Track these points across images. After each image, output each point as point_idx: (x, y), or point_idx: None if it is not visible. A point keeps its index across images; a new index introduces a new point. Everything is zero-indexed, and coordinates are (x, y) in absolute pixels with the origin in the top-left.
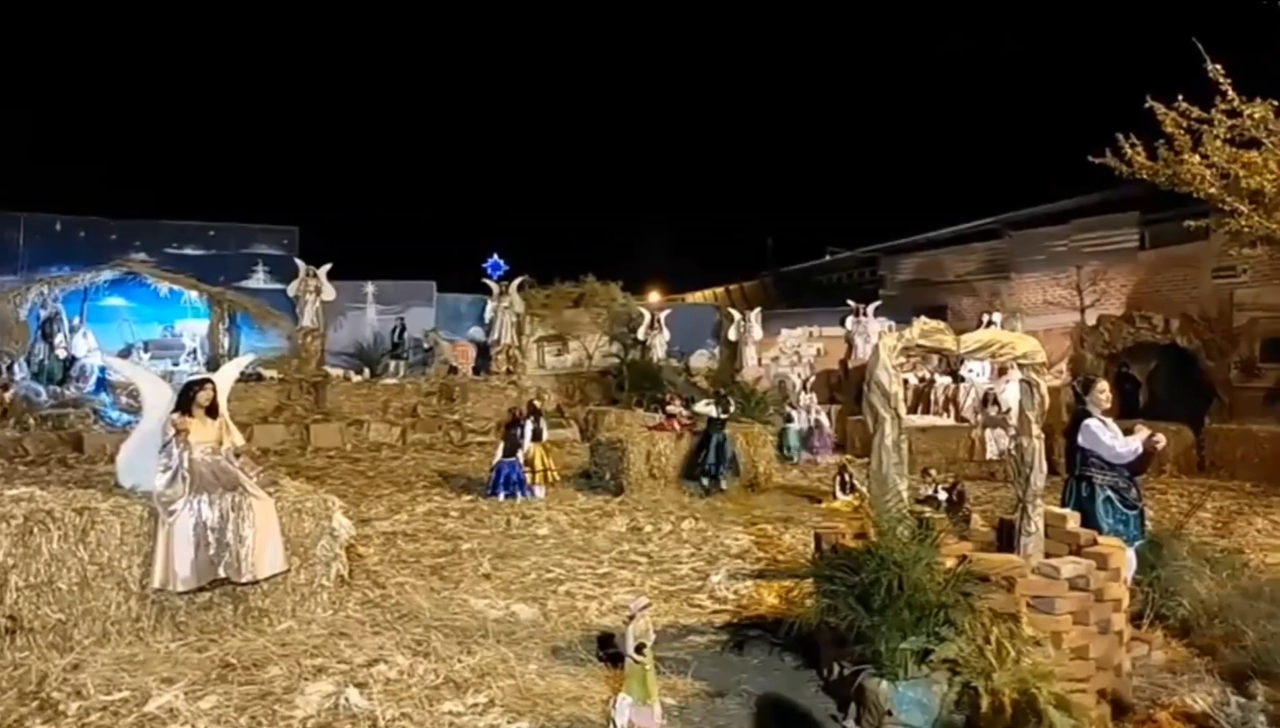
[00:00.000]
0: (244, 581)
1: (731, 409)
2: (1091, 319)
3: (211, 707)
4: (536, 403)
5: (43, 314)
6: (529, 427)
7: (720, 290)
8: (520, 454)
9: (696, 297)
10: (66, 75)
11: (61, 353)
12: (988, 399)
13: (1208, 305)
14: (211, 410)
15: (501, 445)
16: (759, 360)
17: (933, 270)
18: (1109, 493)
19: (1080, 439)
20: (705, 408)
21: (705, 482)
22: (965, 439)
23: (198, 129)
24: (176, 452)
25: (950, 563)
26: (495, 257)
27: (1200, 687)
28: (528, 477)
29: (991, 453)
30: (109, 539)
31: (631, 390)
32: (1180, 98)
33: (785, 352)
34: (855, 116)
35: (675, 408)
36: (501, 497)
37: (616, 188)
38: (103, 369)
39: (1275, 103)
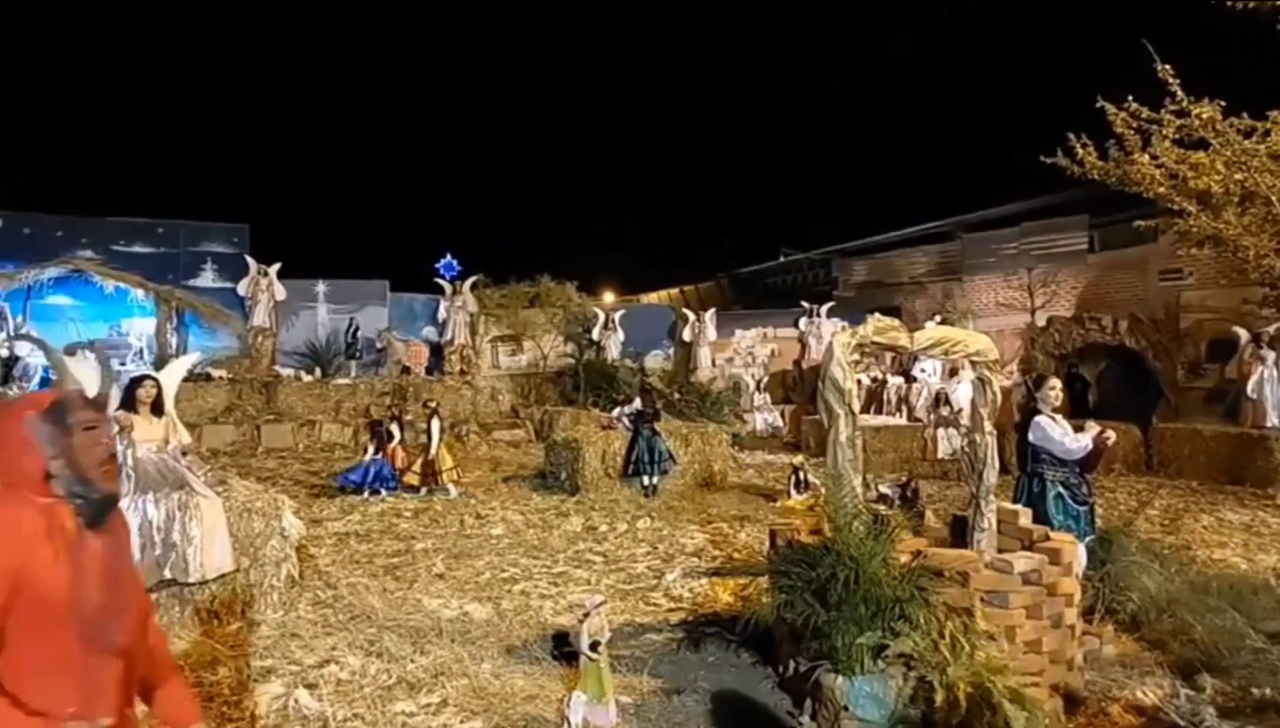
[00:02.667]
0: (192, 581)
1: (655, 399)
2: (1042, 320)
3: None
4: (432, 406)
5: None
6: (396, 429)
7: (675, 291)
8: (385, 453)
9: (651, 297)
10: (12, 69)
11: (4, 352)
12: (940, 399)
13: (1155, 307)
14: (157, 409)
15: (372, 445)
16: (713, 361)
17: (886, 272)
18: (1060, 489)
19: (1031, 436)
20: (628, 409)
21: (643, 482)
22: (918, 439)
23: (147, 125)
24: (119, 449)
25: (905, 558)
26: (449, 256)
27: (1150, 680)
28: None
29: (944, 452)
30: None
31: (587, 391)
32: (1130, 99)
33: (740, 352)
34: (808, 119)
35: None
36: (367, 493)
37: (572, 188)
38: (46, 368)
39: (1223, 103)
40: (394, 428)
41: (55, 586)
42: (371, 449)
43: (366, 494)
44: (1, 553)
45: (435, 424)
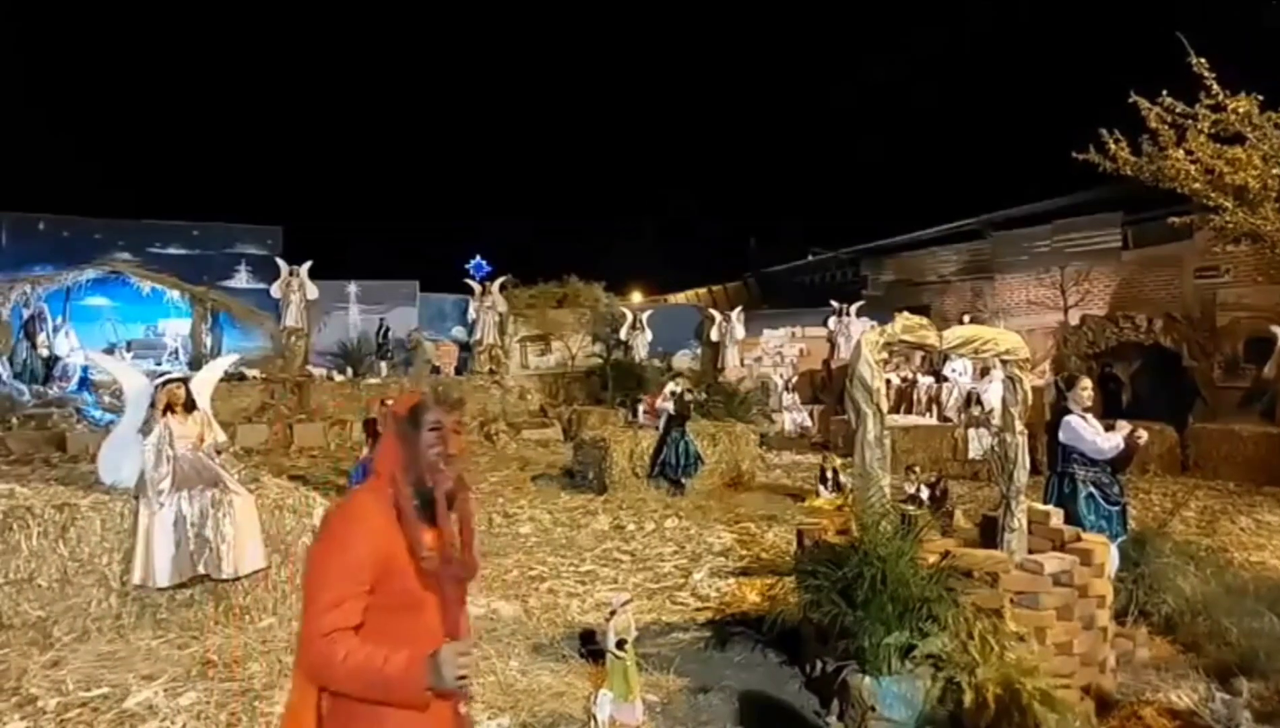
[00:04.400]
0: (225, 577)
1: (690, 405)
2: (1075, 319)
3: (191, 703)
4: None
5: (25, 313)
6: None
7: (703, 291)
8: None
9: (679, 297)
10: (51, 75)
11: (44, 352)
12: (970, 399)
13: (1191, 305)
14: (190, 407)
15: (369, 443)
16: (741, 361)
17: (915, 271)
18: (1091, 489)
19: (1062, 435)
20: (674, 387)
21: (670, 482)
22: (948, 439)
23: (182, 129)
24: (158, 429)
25: (933, 559)
26: (479, 257)
27: (1185, 683)
28: None
29: (974, 453)
30: (89, 536)
31: (615, 390)
32: (1165, 93)
33: (768, 352)
34: (838, 118)
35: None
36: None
37: (600, 189)
38: (85, 368)
39: (1260, 97)
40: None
41: (412, 582)
42: (368, 448)
43: None
44: (374, 536)
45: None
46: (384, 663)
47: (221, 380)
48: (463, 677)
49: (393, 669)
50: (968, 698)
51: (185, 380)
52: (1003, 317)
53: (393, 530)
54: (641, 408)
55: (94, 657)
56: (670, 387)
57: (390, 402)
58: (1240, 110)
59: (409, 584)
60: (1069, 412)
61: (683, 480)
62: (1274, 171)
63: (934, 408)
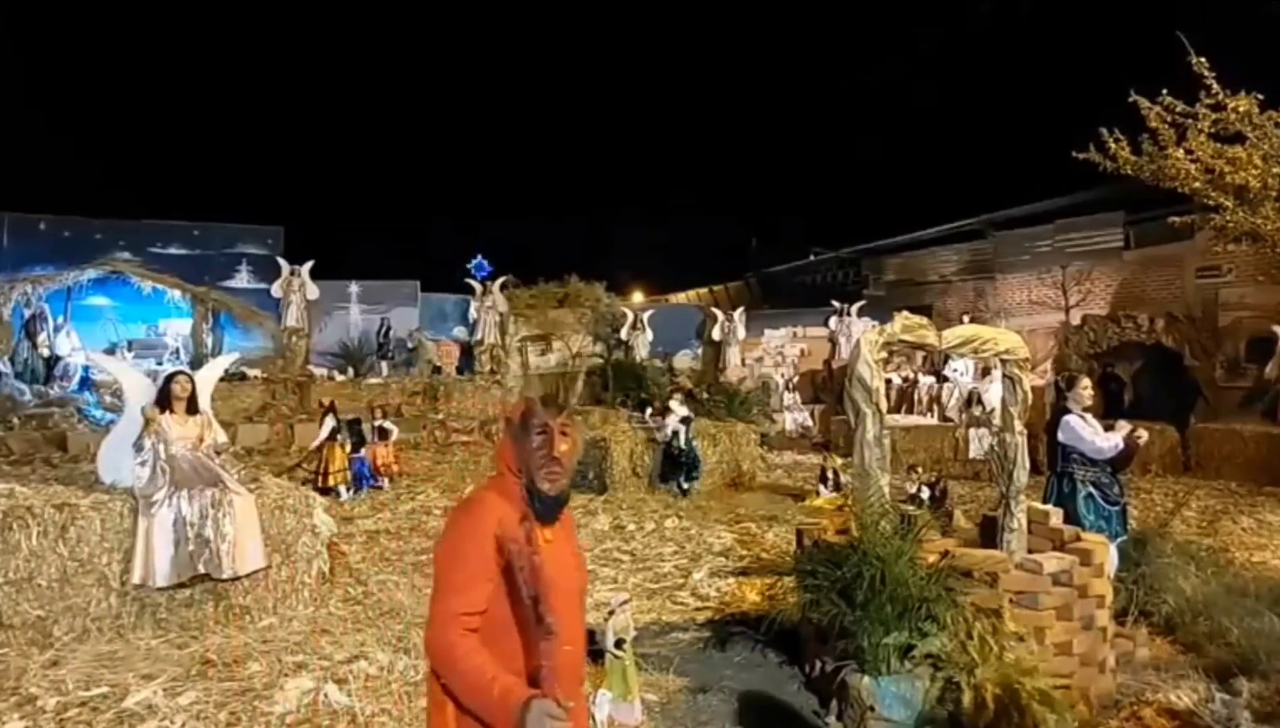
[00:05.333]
0: (224, 577)
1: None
2: (1076, 319)
3: (190, 703)
4: (326, 404)
5: (26, 313)
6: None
7: (704, 291)
8: (364, 450)
9: (680, 297)
10: (52, 75)
11: (45, 352)
12: (972, 399)
13: (1192, 305)
14: (192, 407)
15: (351, 443)
16: (743, 361)
17: (916, 271)
18: (1090, 489)
19: (1061, 435)
20: (678, 407)
21: (681, 486)
22: (949, 439)
23: (183, 129)
24: (149, 443)
25: (933, 559)
26: (480, 257)
27: (1185, 683)
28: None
29: (975, 452)
30: (89, 535)
31: (615, 390)
32: (1165, 92)
33: (769, 352)
34: (837, 117)
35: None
36: (351, 492)
37: (600, 189)
38: (86, 368)
39: (1260, 97)
40: (365, 426)
41: (528, 571)
42: (349, 447)
43: (351, 493)
44: (496, 528)
45: (328, 421)
46: (490, 680)
47: (222, 380)
48: None
49: (496, 691)
50: (966, 698)
51: (193, 379)
52: (1004, 316)
53: (516, 524)
54: (649, 411)
55: (93, 656)
56: (675, 409)
57: (328, 400)
58: (1240, 109)
59: (525, 582)
60: (1069, 412)
61: (686, 487)
62: (1274, 171)
63: (935, 408)
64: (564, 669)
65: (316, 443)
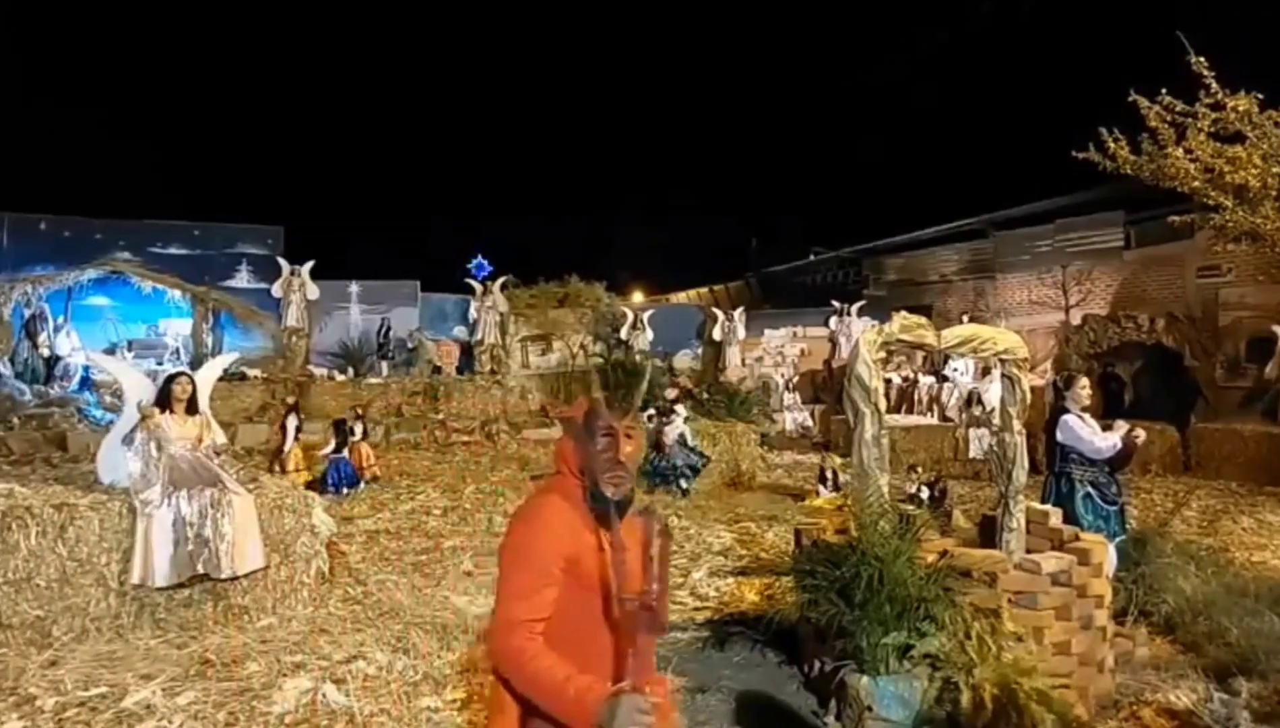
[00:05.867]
0: (223, 577)
1: (680, 409)
2: (1076, 319)
3: (189, 703)
4: (290, 403)
5: (27, 313)
6: (359, 428)
7: (704, 291)
8: (346, 451)
9: (680, 297)
10: (51, 75)
11: (45, 352)
12: (972, 399)
13: (1193, 305)
14: (191, 408)
15: (334, 441)
16: (743, 360)
17: (917, 271)
18: (1089, 489)
19: (1059, 435)
20: (681, 409)
21: (682, 486)
22: (949, 439)
23: (183, 129)
24: (139, 438)
25: (931, 558)
26: (480, 257)
27: (1184, 683)
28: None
29: (975, 452)
30: (88, 535)
31: (615, 390)
32: (1164, 92)
33: (769, 352)
34: (838, 117)
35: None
36: (334, 492)
37: (600, 188)
38: (86, 368)
39: (1260, 96)
40: (356, 426)
41: (598, 571)
42: (333, 446)
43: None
44: (562, 532)
45: (291, 421)
46: (564, 680)
47: (222, 380)
48: None
49: (571, 690)
50: (965, 698)
51: (194, 379)
52: (1004, 316)
53: (580, 526)
54: (649, 413)
55: (92, 656)
56: (680, 410)
57: (291, 399)
58: (1240, 109)
59: (595, 581)
60: (1067, 411)
61: (686, 487)
62: (1274, 170)
63: (935, 408)
64: (643, 666)
65: (286, 445)
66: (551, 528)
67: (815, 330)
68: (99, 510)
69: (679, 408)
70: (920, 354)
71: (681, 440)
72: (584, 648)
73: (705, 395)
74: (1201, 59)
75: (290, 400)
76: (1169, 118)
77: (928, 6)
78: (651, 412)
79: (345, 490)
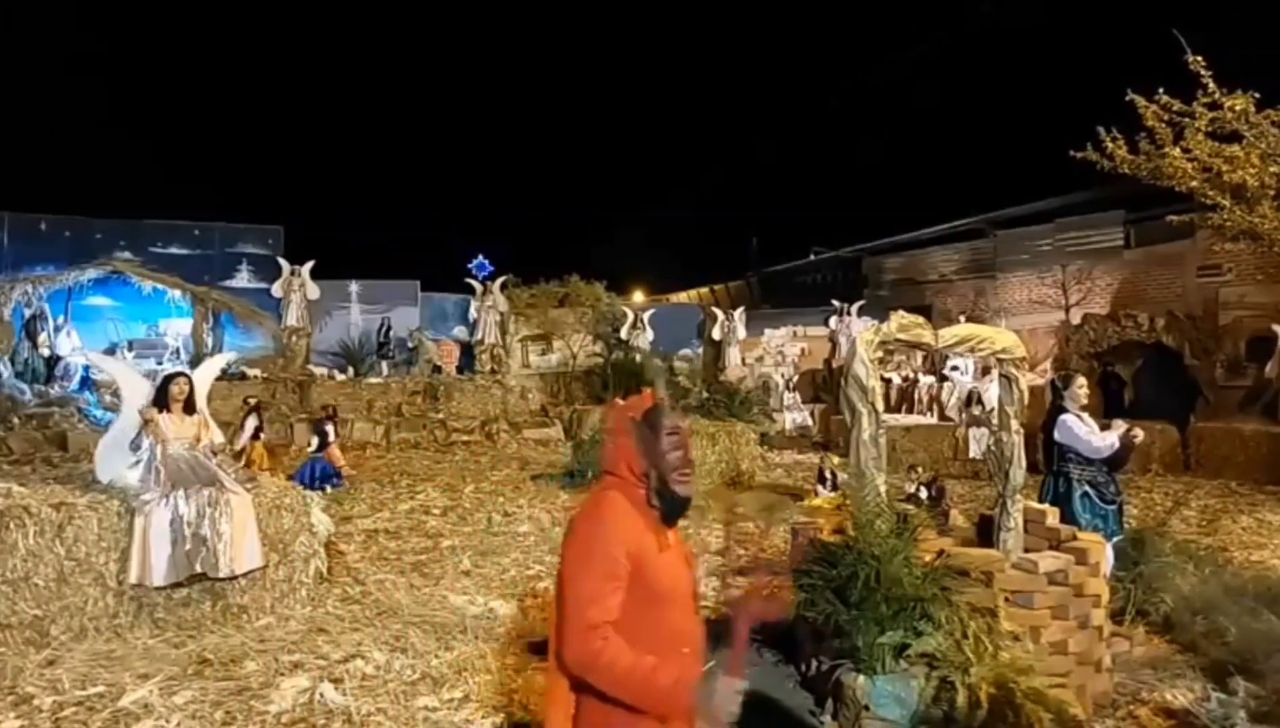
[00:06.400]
0: (222, 576)
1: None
2: (1076, 318)
3: (186, 702)
4: (251, 403)
5: (27, 313)
6: (330, 429)
7: (704, 290)
8: (326, 450)
9: (680, 297)
10: (51, 75)
11: (45, 352)
12: (971, 398)
13: (1193, 304)
14: (189, 407)
15: (315, 441)
16: (743, 360)
17: (917, 270)
18: (1086, 488)
19: (1057, 434)
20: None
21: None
22: (949, 438)
23: (183, 128)
24: (146, 443)
25: (929, 558)
26: (481, 257)
27: (1181, 683)
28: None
29: (975, 452)
30: (86, 535)
31: (616, 390)
32: (1160, 91)
33: (769, 351)
34: (838, 117)
35: None
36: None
37: (601, 188)
38: (86, 368)
39: (1257, 95)
40: (328, 427)
41: (659, 571)
42: (315, 445)
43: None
44: (627, 533)
45: (250, 421)
46: (652, 670)
47: (223, 380)
48: (731, 712)
49: (663, 680)
50: (961, 697)
51: (191, 379)
52: (1004, 316)
53: (642, 527)
54: None
55: (90, 656)
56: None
57: (253, 399)
58: (1237, 108)
59: (658, 582)
60: (1065, 411)
61: None
62: (1271, 170)
63: (935, 407)
64: (699, 659)
65: (241, 442)
66: (618, 529)
67: (815, 330)
68: (97, 510)
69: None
70: (920, 354)
71: None
72: (644, 648)
73: (705, 395)
74: (1199, 58)
75: (252, 402)
76: (1166, 117)
77: (927, 7)
78: None
79: (324, 489)
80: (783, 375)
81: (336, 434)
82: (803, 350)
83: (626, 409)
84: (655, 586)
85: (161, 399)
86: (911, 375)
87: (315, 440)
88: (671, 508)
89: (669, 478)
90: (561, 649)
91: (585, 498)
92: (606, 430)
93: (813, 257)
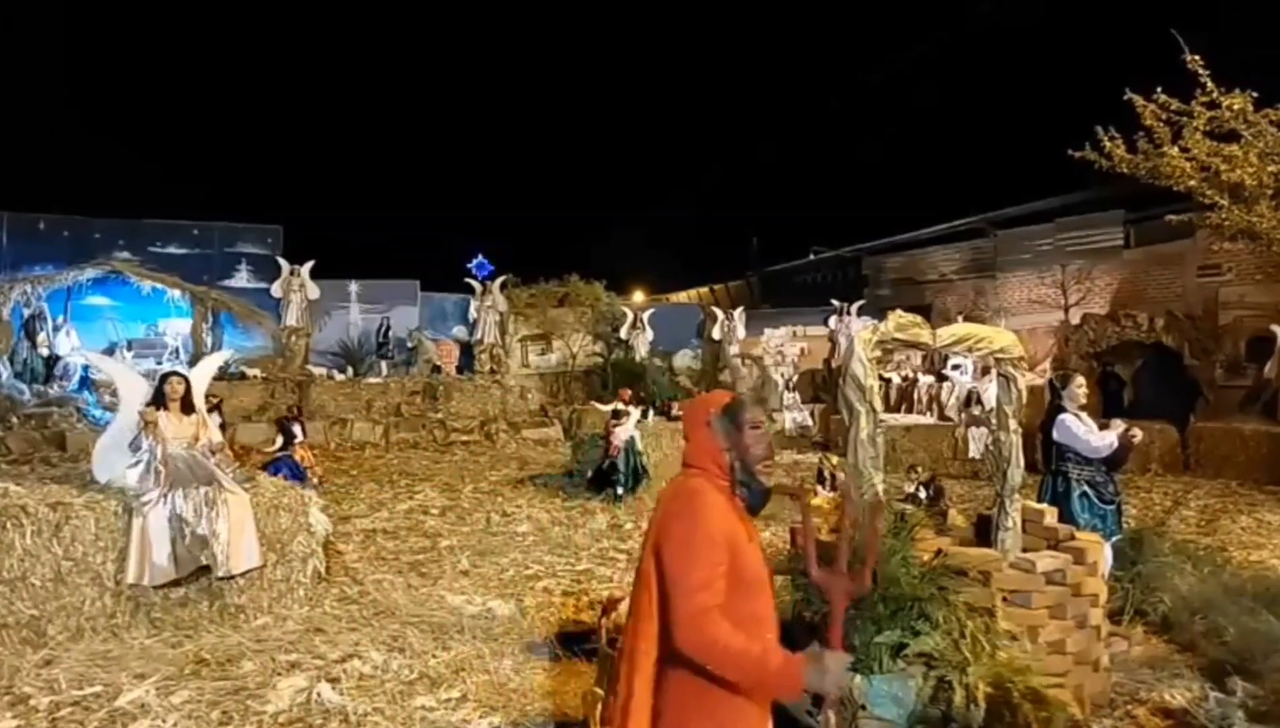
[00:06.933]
0: (219, 575)
1: (634, 411)
2: (1076, 318)
3: (183, 702)
4: (214, 402)
5: (26, 313)
6: (297, 429)
7: (704, 290)
8: (292, 449)
9: (680, 296)
10: (49, 74)
11: (44, 352)
12: (971, 398)
13: (1193, 304)
14: (187, 407)
15: (280, 439)
16: (743, 360)
17: (917, 270)
18: (1085, 488)
19: (1056, 434)
20: (635, 410)
21: (617, 492)
22: (949, 438)
23: (183, 128)
24: (146, 444)
25: (926, 557)
26: (481, 256)
27: (1179, 682)
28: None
29: (974, 452)
30: (83, 535)
31: (615, 390)
32: (1158, 90)
33: (769, 351)
34: (839, 116)
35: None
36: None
37: (601, 187)
38: (86, 368)
39: (1255, 95)
40: (295, 427)
41: (749, 559)
42: (279, 444)
43: None
44: (724, 522)
45: (213, 419)
46: (763, 653)
47: (220, 379)
48: (842, 687)
49: (774, 662)
50: (959, 697)
51: (187, 379)
52: (1004, 315)
53: (733, 518)
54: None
55: (87, 656)
56: (633, 413)
57: (215, 398)
58: (1235, 107)
59: (748, 569)
60: (1063, 410)
61: (621, 493)
62: (1269, 169)
63: (935, 407)
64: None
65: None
66: (715, 518)
67: (815, 330)
68: (94, 510)
69: (632, 410)
70: (920, 353)
71: (630, 445)
72: (750, 625)
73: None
74: (1197, 57)
75: (214, 400)
76: (1165, 116)
77: (927, 7)
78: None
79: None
80: (782, 375)
81: (304, 434)
82: (802, 350)
83: (704, 405)
84: (745, 572)
85: (158, 399)
86: (911, 375)
87: (280, 440)
88: (755, 499)
89: (753, 470)
90: (676, 633)
91: (670, 490)
92: (684, 426)
93: (812, 256)
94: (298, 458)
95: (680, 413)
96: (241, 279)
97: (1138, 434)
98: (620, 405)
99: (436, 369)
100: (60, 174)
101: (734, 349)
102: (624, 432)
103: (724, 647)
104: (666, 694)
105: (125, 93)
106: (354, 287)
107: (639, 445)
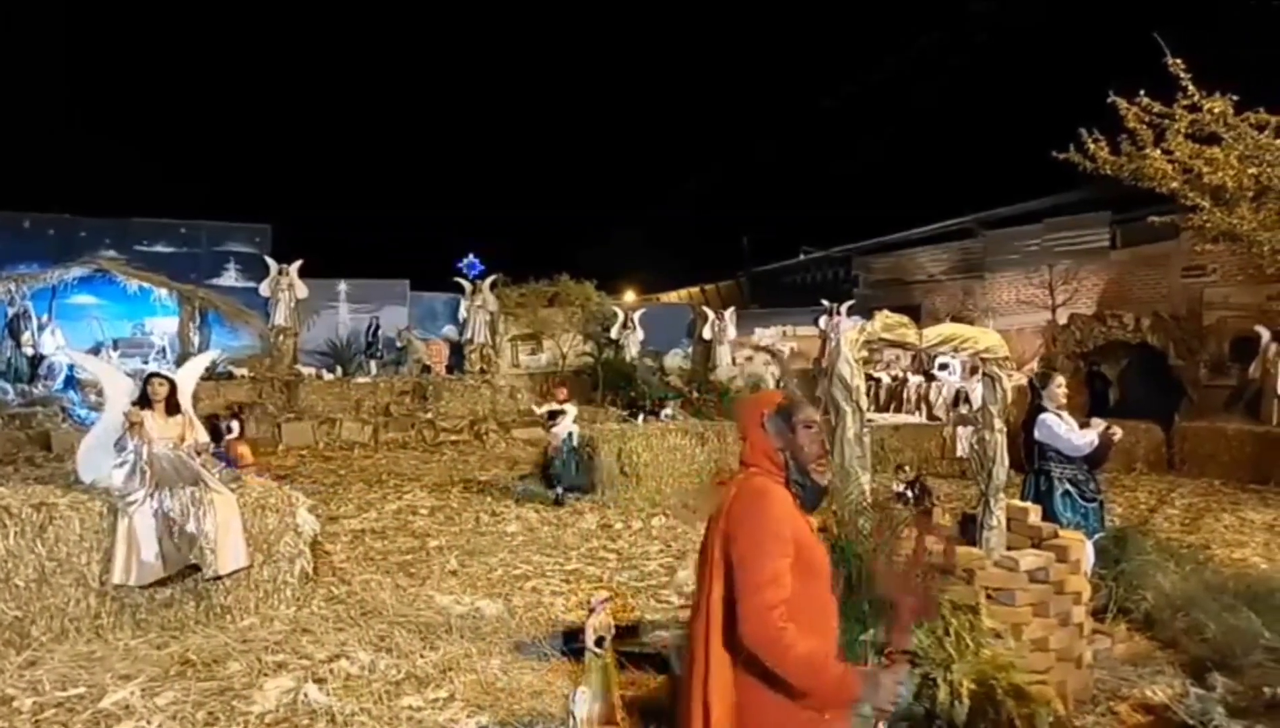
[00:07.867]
0: (206, 576)
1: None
2: (1063, 318)
3: (168, 703)
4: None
5: (10, 312)
6: (235, 425)
7: (695, 290)
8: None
9: (671, 296)
10: (37, 73)
11: (29, 351)
12: (959, 398)
13: (1178, 304)
14: (172, 407)
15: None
16: (733, 360)
17: (906, 270)
18: (1067, 486)
19: (1037, 433)
20: (571, 408)
21: (559, 495)
22: (937, 437)
23: (170, 126)
24: (132, 444)
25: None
26: (471, 256)
27: (1161, 679)
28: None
29: (962, 451)
30: (68, 535)
31: (606, 389)
32: (1142, 93)
33: (759, 350)
34: (829, 118)
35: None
36: None
37: (591, 187)
38: (71, 367)
39: (1235, 98)
40: (233, 423)
41: (814, 551)
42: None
43: None
44: (789, 517)
45: (234, 423)
46: (825, 660)
47: (208, 379)
48: (896, 704)
49: (834, 671)
50: (943, 694)
51: (170, 379)
52: (992, 315)
53: (798, 515)
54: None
55: (71, 657)
56: (569, 410)
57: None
58: (1215, 111)
59: (813, 561)
60: (1044, 409)
61: (560, 494)
62: (1249, 171)
63: (923, 406)
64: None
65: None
66: (781, 515)
67: (805, 329)
68: (79, 510)
69: (568, 408)
70: (909, 353)
71: (567, 442)
72: (801, 619)
73: (696, 394)
74: (1178, 61)
75: (236, 407)
76: (1147, 119)
77: (918, 9)
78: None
79: None
80: (773, 375)
81: (240, 432)
82: (792, 350)
83: (758, 405)
84: (811, 564)
85: (144, 399)
86: (900, 375)
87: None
88: (810, 496)
89: (808, 468)
90: (742, 627)
91: (732, 489)
92: (740, 426)
93: (802, 256)
94: (235, 454)
95: (735, 414)
96: (229, 278)
97: (1118, 433)
98: (555, 405)
99: (426, 369)
100: (47, 172)
101: (724, 349)
102: (561, 430)
103: (789, 644)
104: (741, 699)
105: (114, 92)
106: (343, 286)
107: (575, 443)
